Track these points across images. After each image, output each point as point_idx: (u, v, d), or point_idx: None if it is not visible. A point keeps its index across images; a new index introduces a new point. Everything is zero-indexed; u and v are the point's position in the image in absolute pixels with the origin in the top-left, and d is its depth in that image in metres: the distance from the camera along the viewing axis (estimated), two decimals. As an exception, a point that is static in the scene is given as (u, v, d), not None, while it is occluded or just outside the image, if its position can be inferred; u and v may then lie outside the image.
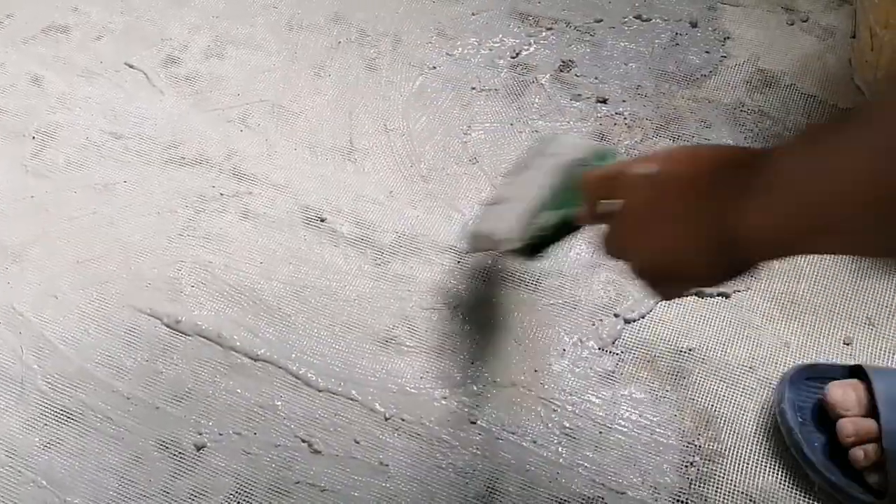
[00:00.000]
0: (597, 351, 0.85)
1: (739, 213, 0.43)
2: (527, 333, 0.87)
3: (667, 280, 0.52)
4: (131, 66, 1.13)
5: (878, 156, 0.35)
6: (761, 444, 0.79)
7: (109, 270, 0.94)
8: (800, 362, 0.80)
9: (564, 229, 0.71)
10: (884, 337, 0.84)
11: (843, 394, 0.74)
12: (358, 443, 0.81)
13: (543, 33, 1.13)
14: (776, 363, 0.83)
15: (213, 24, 1.17)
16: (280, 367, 0.86)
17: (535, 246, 0.75)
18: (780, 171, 0.41)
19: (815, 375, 0.77)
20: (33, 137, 1.06)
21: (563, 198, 0.70)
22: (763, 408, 0.80)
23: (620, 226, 0.53)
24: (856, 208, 0.36)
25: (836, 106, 1.01)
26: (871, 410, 0.72)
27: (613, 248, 0.54)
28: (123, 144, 1.05)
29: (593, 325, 0.87)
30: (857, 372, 0.76)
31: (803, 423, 0.76)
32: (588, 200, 0.57)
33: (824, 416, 0.75)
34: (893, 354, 0.83)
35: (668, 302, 0.86)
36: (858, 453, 0.71)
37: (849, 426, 0.72)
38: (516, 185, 0.81)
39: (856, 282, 0.87)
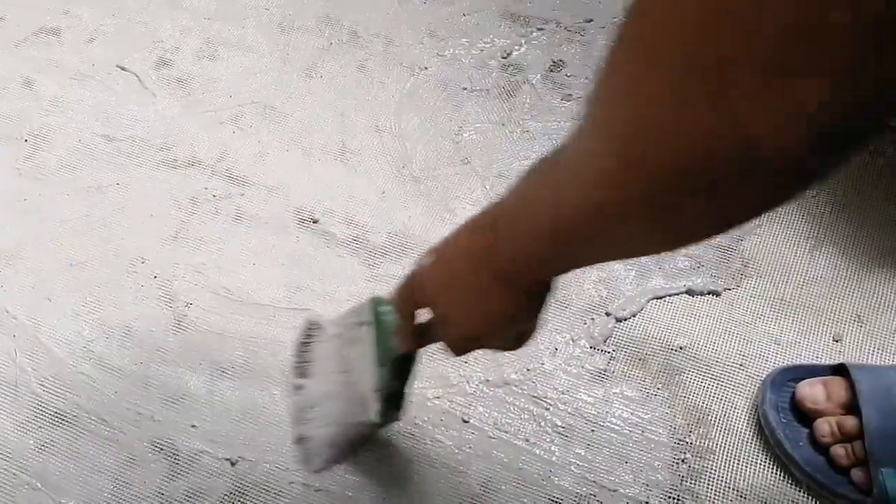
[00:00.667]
0: (588, 350, 0.86)
1: (497, 256, 0.47)
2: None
3: (495, 333, 0.53)
4: (123, 69, 1.14)
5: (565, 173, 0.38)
6: (752, 440, 0.80)
7: (103, 273, 0.94)
8: (783, 364, 0.81)
9: (404, 370, 0.69)
10: (872, 333, 0.85)
11: (813, 391, 0.75)
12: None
13: (534, 33, 1.13)
14: (766, 360, 0.84)
15: (205, 25, 1.18)
16: (274, 368, 0.86)
17: (393, 404, 0.71)
18: (501, 205, 0.47)
19: (798, 376, 0.78)
20: (26, 140, 1.07)
21: (382, 353, 0.68)
22: (754, 405, 0.81)
23: (441, 315, 0.55)
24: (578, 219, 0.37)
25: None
26: (855, 408, 0.73)
27: (455, 341, 0.56)
28: (116, 147, 1.05)
29: (585, 324, 0.88)
30: (841, 370, 0.77)
31: (787, 423, 0.76)
32: (403, 324, 0.61)
33: (803, 416, 0.76)
34: (882, 351, 0.84)
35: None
36: (839, 451, 0.72)
37: (824, 426, 0.73)
38: (316, 384, 0.80)
39: (844, 279, 0.88)
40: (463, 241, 0.51)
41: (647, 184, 0.31)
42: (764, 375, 0.81)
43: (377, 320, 0.69)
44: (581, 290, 0.90)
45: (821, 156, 0.27)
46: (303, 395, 0.82)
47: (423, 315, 0.59)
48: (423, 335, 0.61)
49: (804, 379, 0.77)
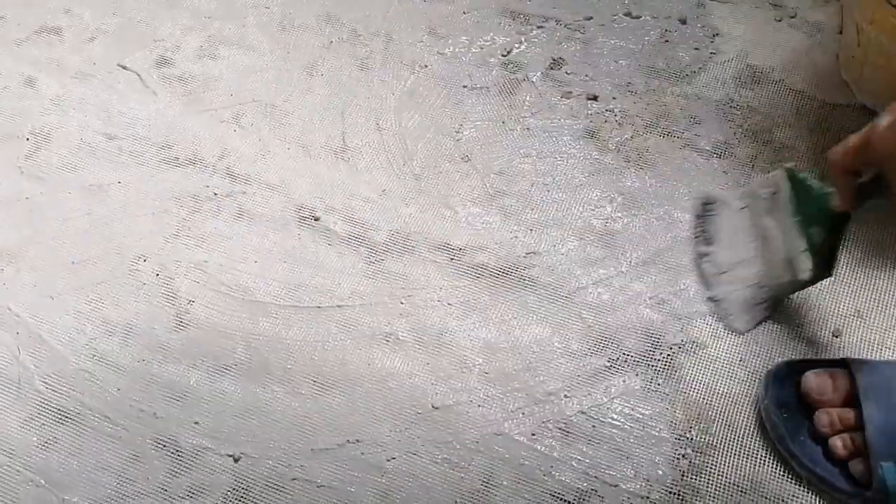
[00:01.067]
0: (589, 345, 0.86)
1: None
2: (521, 328, 0.88)
3: None
4: (124, 68, 1.14)
5: None
6: (753, 435, 0.80)
7: (105, 271, 0.95)
8: (784, 358, 0.81)
9: (837, 229, 0.74)
10: (872, 328, 0.85)
11: (820, 382, 0.75)
12: (355, 440, 0.82)
13: (534, 31, 1.13)
14: (767, 355, 0.84)
15: (206, 24, 1.18)
16: (276, 365, 0.87)
17: (826, 262, 0.77)
18: None
19: (800, 370, 0.78)
20: (27, 139, 1.07)
21: (811, 215, 0.74)
22: (755, 400, 0.82)
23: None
24: None
25: (825, 101, 1.02)
26: (854, 401, 0.73)
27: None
28: (117, 145, 1.06)
29: (582, 319, 0.88)
30: (842, 364, 0.77)
31: (788, 417, 0.76)
32: (843, 184, 0.62)
33: (808, 407, 0.76)
34: (882, 346, 0.84)
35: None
36: (837, 443, 0.72)
37: (824, 417, 0.74)
38: (725, 251, 0.88)
39: (844, 274, 0.88)
40: None
41: None
42: (764, 370, 0.82)
43: (798, 186, 0.74)
44: (584, 289, 0.90)
45: None
46: (712, 261, 0.88)
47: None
48: (864, 195, 0.61)
49: (806, 372, 0.77)
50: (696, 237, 0.91)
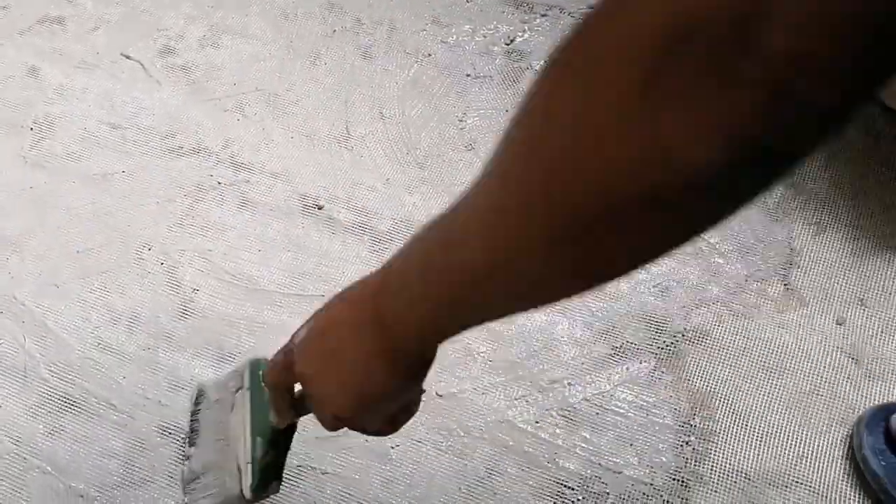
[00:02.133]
0: (593, 333, 0.86)
1: (379, 325, 0.43)
2: (525, 317, 0.88)
3: (370, 410, 0.49)
4: (128, 57, 1.14)
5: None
6: (756, 422, 0.80)
7: (109, 260, 0.95)
8: (872, 404, 0.80)
9: (281, 441, 0.65)
10: (875, 316, 0.85)
11: None
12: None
13: (537, 20, 1.13)
14: (770, 344, 0.84)
15: (209, 13, 1.18)
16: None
17: (268, 477, 0.66)
18: (386, 272, 0.43)
19: (889, 412, 0.77)
20: (31, 129, 1.07)
21: (259, 422, 0.64)
22: (757, 388, 0.82)
23: (315, 393, 0.50)
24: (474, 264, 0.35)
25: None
26: None
27: (327, 419, 0.51)
28: (121, 135, 1.06)
29: (587, 307, 0.88)
30: None
31: (887, 465, 0.75)
32: (277, 398, 0.56)
33: None
34: (884, 333, 0.84)
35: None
36: None
37: None
38: (206, 452, 0.73)
39: (847, 263, 0.89)
40: (340, 313, 0.47)
41: (562, 218, 0.29)
42: (767, 358, 0.82)
43: (254, 386, 0.64)
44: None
45: (742, 171, 0.25)
46: (189, 465, 0.74)
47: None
48: (299, 408, 0.57)
49: (893, 415, 0.76)
50: (185, 436, 0.80)
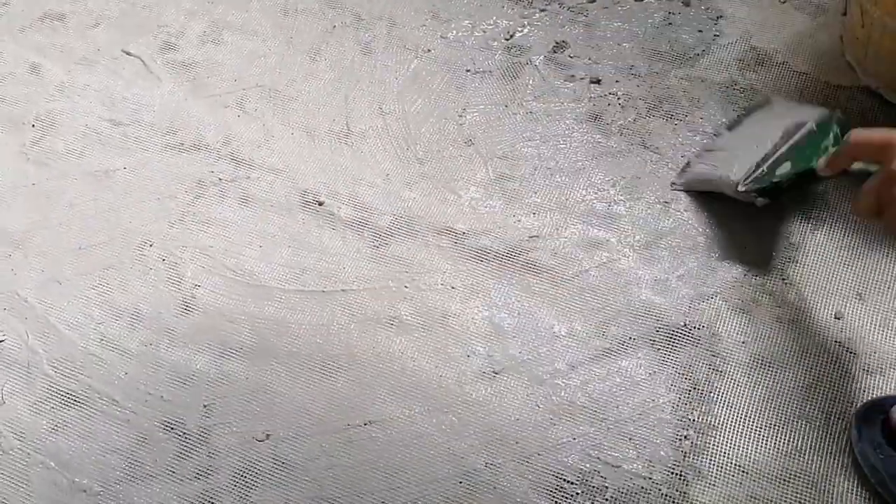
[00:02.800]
0: (592, 328, 0.87)
1: None
2: (524, 311, 0.88)
3: None
4: (128, 54, 1.14)
5: None
6: (754, 417, 0.80)
7: (111, 256, 0.96)
8: (869, 397, 0.80)
9: (801, 178, 0.81)
10: (873, 310, 0.85)
11: None
12: (360, 422, 0.83)
13: (537, 15, 1.13)
14: (769, 339, 0.84)
15: (209, 9, 1.18)
16: (281, 348, 0.87)
17: (772, 191, 0.83)
18: None
19: (885, 406, 0.77)
20: (33, 125, 1.07)
21: (797, 153, 0.80)
22: (755, 382, 0.82)
23: (884, 187, 0.61)
24: None
25: (829, 83, 1.02)
26: None
27: (870, 206, 0.63)
28: (122, 131, 1.06)
29: (586, 303, 0.88)
30: None
31: (885, 458, 0.75)
32: (843, 158, 0.67)
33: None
34: (883, 328, 0.84)
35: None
36: None
37: None
38: (735, 138, 0.93)
39: (845, 258, 0.89)
40: None
41: None
42: (766, 353, 0.82)
43: (821, 130, 0.80)
44: (586, 272, 0.90)
45: None
46: (716, 140, 0.96)
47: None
48: (850, 173, 0.67)
49: (893, 407, 0.76)
50: (729, 121, 0.98)
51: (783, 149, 0.82)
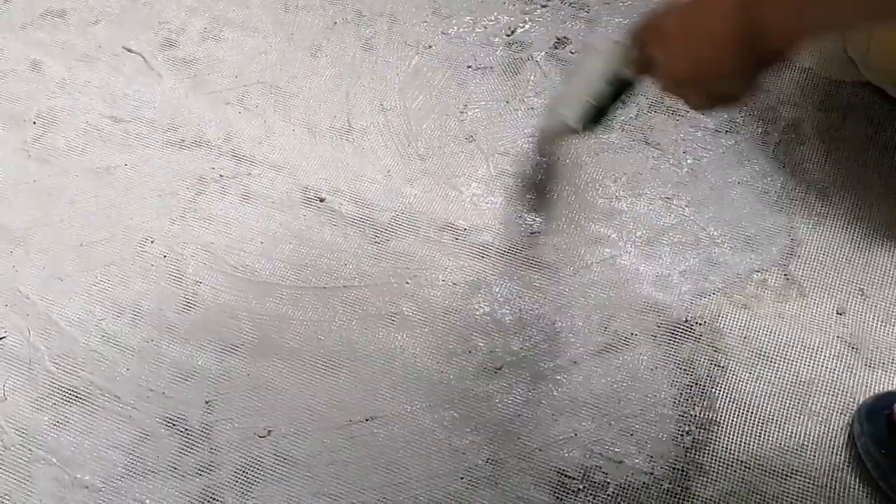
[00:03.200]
0: (594, 324, 0.87)
1: (759, 6, 0.51)
2: (526, 307, 0.88)
3: (699, 83, 0.59)
4: (129, 50, 1.14)
5: None
6: (756, 412, 0.80)
7: (113, 253, 0.95)
8: (873, 392, 0.80)
9: (620, 90, 0.80)
10: (875, 306, 0.85)
11: None
12: (362, 418, 0.83)
13: (538, 10, 1.13)
14: (771, 334, 0.84)
15: (210, 6, 1.18)
16: (282, 345, 0.87)
17: (598, 113, 0.82)
18: None
19: (890, 401, 0.77)
20: (34, 122, 1.07)
21: (613, 73, 0.80)
22: (757, 378, 0.82)
23: (664, 56, 0.61)
24: None
25: (830, 79, 1.01)
26: None
27: (664, 81, 0.63)
28: (123, 128, 1.06)
29: (587, 298, 0.88)
30: None
31: (886, 453, 0.75)
32: (636, 59, 0.68)
33: None
34: (885, 324, 0.84)
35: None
36: None
37: None
38: (570, 86, 0.89)
39: (847, 253, 0.89)
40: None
41: None
42: (767, 348, 0.82)
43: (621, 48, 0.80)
44: (588, 268, 0.90)
45: None
46: (554, 96, 0.98)
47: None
48: (645, 67, 0.66)
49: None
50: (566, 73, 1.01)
51: (598, 71, 0.83)
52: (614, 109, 0.82)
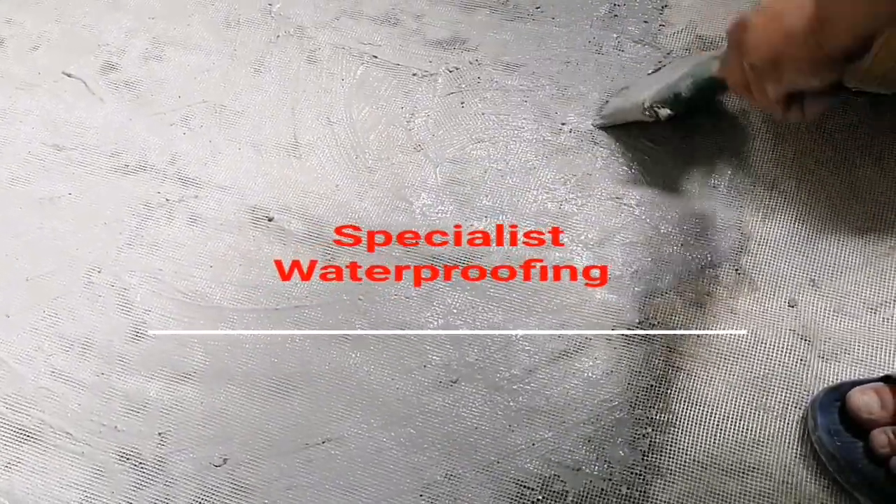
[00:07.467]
0: (548, 331, 0.86)
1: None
2: (481, 316, 0.87)
3: (777, 66, 0.64)
4: (69, 76, 1.12)
5: None
6: (712, 411, 0.80)
7: (60, 285, 0.94)
8: (825, 385, 0.80)
9: (705, 91, 0.87)
10: (826, 297, 0.85)
11: (867, 400, 0.74)
12: (318, 440, 0.82)
13: (481, 14, 1.12)
14: (724, 331, 0.84)
15: (150, 25, 1.16)
16: (235, 369, 0.86)
17: (675, 103, 0.88)
18: None
19: (843, 392, 0.76)
20: (-26, 155, 1.05)
21: (697, 70, 0.87)
22: (712, 376, 0.82)
23: (750, 42, 0.67)
24: None
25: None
26: None
27: (740, 70, 0.70)
28: (66, 156, 1.04)
29: (552, 303, 0.88)
30: (884, 381, 0.75)
31: (842, 444, 0.74)
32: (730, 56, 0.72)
33: (857, 426, 0.74)
34: (837, 314, 0.84)
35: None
36: None
37: (881, 437, 0.72)
38: (649, 79, 0.98)
39: (797, 245, 0.89)
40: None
41: None
42: (722, 346, 0.82)
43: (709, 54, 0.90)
44: (536, 269, 0.90)
45: None
46: (638, 82, 1.00)
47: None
48: (733, 55, 0.71)
49: (848, 392, 0.75)
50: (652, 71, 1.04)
51: (686, 68, 0.89)
52: (692, 101, 0.87)
